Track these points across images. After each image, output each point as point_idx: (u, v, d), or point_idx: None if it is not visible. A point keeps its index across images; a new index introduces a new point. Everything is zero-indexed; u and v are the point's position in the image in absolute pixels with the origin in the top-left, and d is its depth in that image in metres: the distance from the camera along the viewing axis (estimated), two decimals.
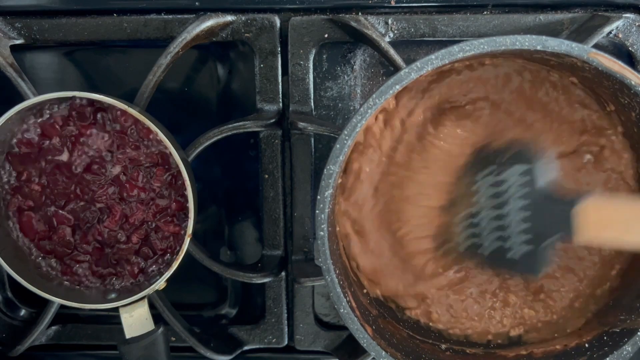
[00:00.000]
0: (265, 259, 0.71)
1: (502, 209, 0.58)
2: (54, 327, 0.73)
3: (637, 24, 0.64)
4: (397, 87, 0.51)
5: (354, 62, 0.69)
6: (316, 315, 0.73)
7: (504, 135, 0.61)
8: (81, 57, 0.71)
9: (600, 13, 0.64)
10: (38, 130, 0.63)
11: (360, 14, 0.66)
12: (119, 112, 0.63)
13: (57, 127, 0.63)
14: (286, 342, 0.73)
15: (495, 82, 0.62)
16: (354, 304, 0.58)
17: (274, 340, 0.72)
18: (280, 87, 0.67)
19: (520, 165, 0.57)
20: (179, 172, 0.61)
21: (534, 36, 0.51)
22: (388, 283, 0.64)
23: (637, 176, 0.62)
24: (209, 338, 0.70)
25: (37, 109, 0.63)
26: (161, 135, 0.60)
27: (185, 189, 0.61)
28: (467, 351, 0.64)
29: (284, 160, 0.69)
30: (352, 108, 0.70)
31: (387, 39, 0.65)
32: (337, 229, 0.64)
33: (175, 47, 0.63)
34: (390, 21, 0.65)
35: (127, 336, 0.63)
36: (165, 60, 0.63)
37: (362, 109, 0.52)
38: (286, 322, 0.72)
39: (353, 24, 0.63)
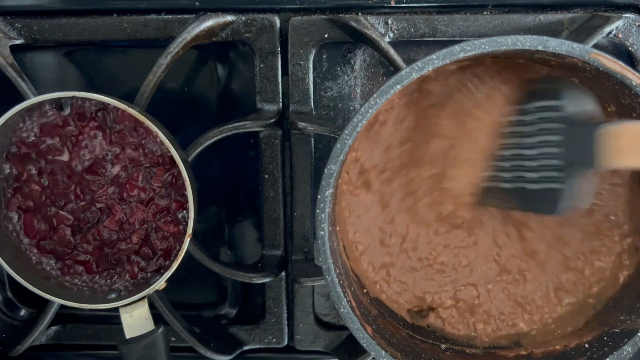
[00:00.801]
0: (265, 259, 0.71)
1: (532, 147, 0.57)
2: (54, 327, 0.73)
3: (637, 24, 0.64)
4: (398, 87, 0.51)
5: (354, 62, 0.69)
6: (316, 315, 0.73)
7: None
8: (81, 57, 0.71)
9: (600, 13, 0.64)
10: (38, 130, 0.63)
11: (360, 14, 0.66)
12: (119, 112, 0.63)
13: (57, 127, 0.63)
14: (286, 342, 0.73)
15: None
16: (354, 304, 0.58)
17: (274, 340, 0.72)
18: (280, 87, 0.67)
19: (548, 100, 0.56)
20: (179, 172, 0.61)
21: (535, 36, 0.51)
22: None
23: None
24: (209, 338, 0.70)
25: (37, 109, 0.63)
26: (161, 135, 0.60)
27: (185, 189, 0.61)
28: (467, 351, 0.64)
29: (284, 160, 0.69)
30: (352, 108, 0.70)
31: (387, 39, 0.65)
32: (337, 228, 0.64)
33: (175, 47, 0.63)
34: (390, 21, 0.65)
35: (127, 336, 0.63)
36: (165, 60, 0.63)
37: (362, 108, 0.52)
38: (286, 322, 0.72)
39: (353, 24, 0.63)
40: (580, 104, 0.55)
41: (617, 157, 0.51)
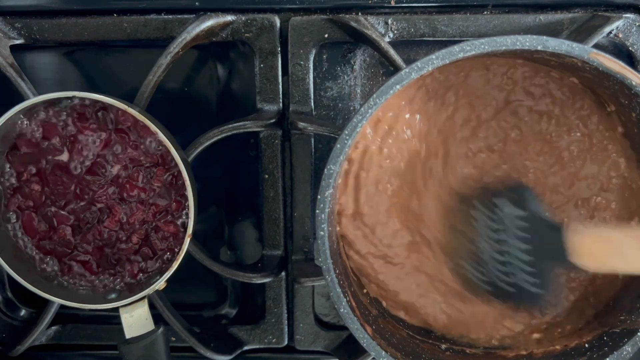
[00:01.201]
0: (265, 259, 0.71)
1: (502, 243, 0.57)
2: (54, 327, 0.73)
3: (637, 24, 0.64)
4: (398, 87, 0.51)
5: (354, 62, 0.69)
6: (316, 315, 0.73)
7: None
8: (81, 57, 0.71)
9: (600, 13, 0.64)
10: (38, 130, 0.63)
11: (360, 14, 0.66)
12: (119, 112, 0.63)
13: (57, 127, 0.63)
14: (286, 342, 0.73)
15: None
16: (354, 304, 0.57)
17: (274, 340, 0.72)
18: (280, 87, 0.67)
19: (510, 198, 0.57)
20: (179, 172, 0.61)
21: (534, 36, 0.51)
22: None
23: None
24: (209, 338, 0.70)
25: (37, 109, 0.63)
26: (161, 135, 0.60)
27: (185, 189, 0.61)
28: (467, 351, 0.64)
29: (284, 160, 0.69)
30: (352, 108, 0.70)
31: (387, 39, 0.65)
32: (338, 228, 0.64)
33: (175, 47, 0.63)
34: (390, 21, 0.65)
35: (127, 336, 0.63)
36: (165, 60, 0.63)
37: (362, 109, 0.52)
38: (286, 322, 0.72)
39: (353, 24, 0.63)
40: (537, 203, 0.56)
41: (582, 258, 0.52)
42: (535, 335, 0.64)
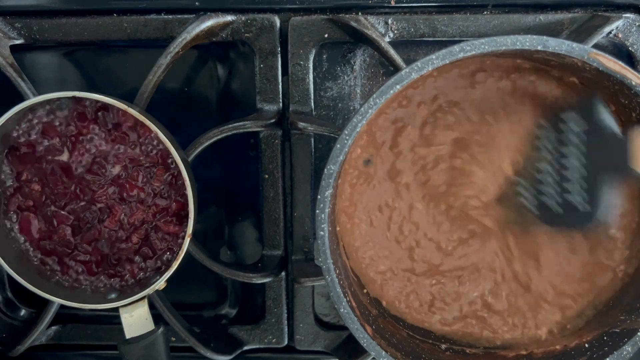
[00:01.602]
0: (265, 259, 0.71)
1: (563, 160, 0.57)
2: (54, 327, 0.73)
3: (637, 24, 0.64)
4: (398, 87, 0.51)
5: (354, 62, 0.69)
6: (316, 315, 0.73)
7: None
8: (81, 57, 0.71)
9: (600, 13, 0.64)
10: (38, 130, 0.63)
11: (360, 14, 0.66)
12: (119, 112, 0.63)
13: (57, 127, 0.63)
14: (286, 342, 0.73)
15: None
16: (354, 304, 0.58)
17: (274, 340, 0.72)
18: (280, 87, 0.67)
19: (576, 114, 0.57)
20: (179, 172, 0.61)
21: (534, 36, 0.51)
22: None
23: None
24: (209, 338, 0.70)
25: (37, 109, 0.63)
26: (161, 135, 0.60)
27: (185, 189, 0.61)
28: (467, 351, 0.64)
29: (284, 160, 0.69)
30: (352, 108, 0.70)
31: (387, 39, 0.65)
32: (337, 226, 0.64)
33: (175, 47, 0.63)
34: (390, 21, 0.65)
35: (127, 336, 0.63)
36: (165, 60, 0.63)
37: (362, 109, 0.52)
38: (286, 322, 0.72)
39: (353, 24, 0.63)
40: (603, 112, 0.55)
41: None
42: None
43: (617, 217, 0.62)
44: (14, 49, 0.66)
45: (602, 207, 0.56)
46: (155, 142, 0.64)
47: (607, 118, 0.55)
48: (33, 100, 0.60)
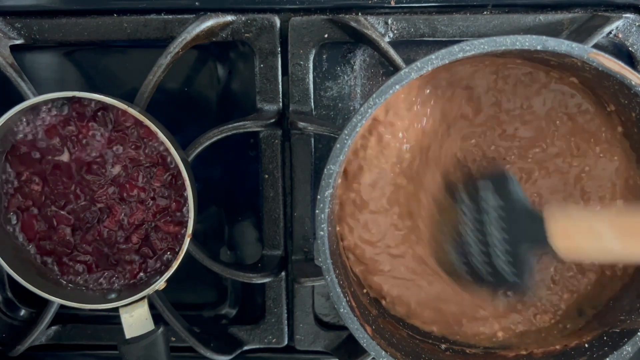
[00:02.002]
0: (265, 259, 0.71)
1: (485, 228, 0.57)
2: (54, 327, 0.73)
3: (637, 24, 0.64)
4: (397, 87, 0.51)
5: (354, 62, 0.69)
6: (316, 315, 0.73)
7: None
8: (81, 57, 0.71)
9: (600, 13, 0.64)
10: (38, 130, 0.63)
11: (360, 14, 0.66)
12: (119, 112, 0.63)
13: (57, 127, 0.63)
14: (286, 342, 0.73)
15: None
16: (353, 304, 0.58)
17: (274, 340, 0.72)
18: (280, 87, 0.67)
19: (491, 181, 0.57)
20: (179, 172, 0.61)
21: (534, 36, 0.51)
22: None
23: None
24: (209, 338, 0.70)
25: (37, 109, 0.63)
26: (161, 135, 0.60)
27: (185, 189, 0.61)
28: (467, 351, 0.64)
29: (284, 160, 0.69)
30: (352, 108, 0.70)
31: (387, 39, 0.65)
32: (337, 228, 0.64)
33: (175, 47, 0.63)
34: (390, 21, 0.65)
35: (127, 336, 0.63)
36: (165, 60, 0.63)
37: (362, 109, 0.52)
38: (286, 322, 0.72)
39: (353, 24, 0.63)
40: (516, 187, 0.56)
41: (559, 242, 0.52)
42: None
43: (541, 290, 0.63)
44: (14, 49, 0.66)
45: (528, 275, 0.56)
46: (155, 142, 0.64)
47: (519, 192, 0.56)
48: (33, 100, 0.60)
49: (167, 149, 0.60)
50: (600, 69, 0.52)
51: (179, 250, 0.62)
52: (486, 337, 0.65)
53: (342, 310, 0.55)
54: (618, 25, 0.63)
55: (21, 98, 0.62)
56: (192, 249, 0.66)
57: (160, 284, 0.62)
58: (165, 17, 0.66)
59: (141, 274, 0.66)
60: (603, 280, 0.63)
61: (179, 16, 0.66)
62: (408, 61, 0.61)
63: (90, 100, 0.62)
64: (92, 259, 0.66)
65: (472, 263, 0.58)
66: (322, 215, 0.54)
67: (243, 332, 0.72)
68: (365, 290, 0.65)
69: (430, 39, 0.66)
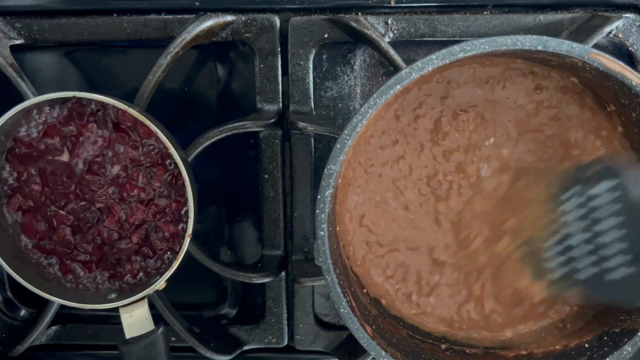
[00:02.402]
0: (265, 259, 0.71)
1: (594, 229, 0.54)
2: (54, 327, 0.73)
3: (637, 24, 0.64)
4: (398, 87, 0.51)
5: (354, 62, 0.69)
6: (316, 315, 0.73)
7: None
8: (81, 57, 0.71)
9: (600, 13, 0.64)
10: (38, 130, 0.63)
11: (360, 14, 0.66)
12: (119, 112, 0.63)
13: (57, 127, 0.63)
14: (286, 342, 0.73)
15: None
16: (354, 304, 0.58)
17: (274, 340, 0.72)
18: (280, 87, 0.67)
19: (607, 181, 0.53)
20: (179, 172, 0.61)
21: (534, 36, 0.51)
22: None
23: None
24: (209, 338, 0.70)
25: (37, 109, 0.63)
26: (161, 135, 0.60)
27: (185, 189, 0.61)
28: (467, 351, 0.64)
29: (284, 160, 0.69)
30: (352, 108, 0.70)
31: (387, 39, 0.65)
32: (337, 228, 0.64)
33: (175, 47, 0.63)
34: (390, 21, 0.65)
35: (127, 336, 0.63)
36: (165, 60, 0.63)
37: (362, 109, 0.52)
38: (286, 322, 0.72)
39: (353, 24, 0.63)
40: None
41: None
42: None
43: None
44: (14, 49, 0.66)
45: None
46: (155, 142, 0.64)
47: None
48: (33, 100, 0.60)
49: (167, 149, 0.60)
50: (600, 69, 0.52)
51: (179, 250, 0.62)
52: (490, 337, 0.65)
53: (342, 310, 0.55)
54: (618, 25, 0.63)
55: (21, 98, 0.62)
56: (192, 249, 0.66)
57: (160, 284, 0.62)
58: (165, 17, 0.66)
59: (141, 274, 0.66)
60: None
61: (179, 16, 0.66)
62: (408, 61, 0.61)
63: (90, 100, 0.62)
64: (92, 258, 0.66)
65: (571, 265, 0.56)
66: (322, 215, 0.54)
67: (243, 332, 0.72)
68: (365, 290, 0.65)
69: (431, 39, 0.66)
